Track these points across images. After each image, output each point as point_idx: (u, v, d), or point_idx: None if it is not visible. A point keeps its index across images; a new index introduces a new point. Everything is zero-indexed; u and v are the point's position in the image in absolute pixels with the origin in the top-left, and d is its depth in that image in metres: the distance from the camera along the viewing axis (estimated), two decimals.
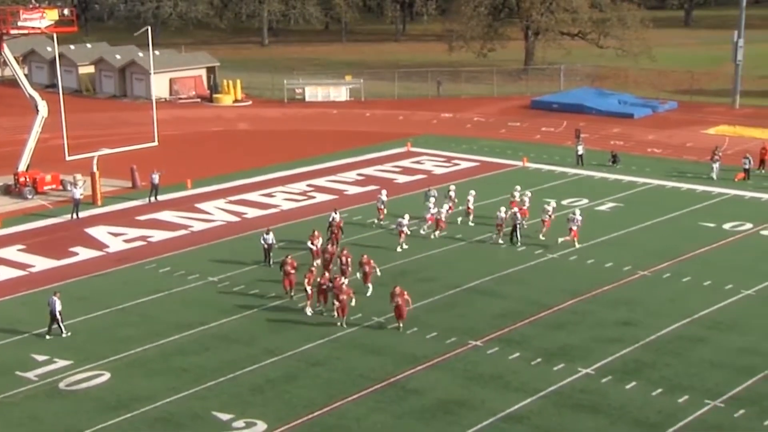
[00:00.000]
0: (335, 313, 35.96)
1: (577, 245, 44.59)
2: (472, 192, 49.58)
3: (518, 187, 50.03)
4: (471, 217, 48.23)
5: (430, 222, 46.90)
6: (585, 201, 52.23)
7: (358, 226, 48.06)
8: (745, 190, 54.02)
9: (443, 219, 46.70)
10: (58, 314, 35.22)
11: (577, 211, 46.08)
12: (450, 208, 48.73)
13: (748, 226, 47.74)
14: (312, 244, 41.99)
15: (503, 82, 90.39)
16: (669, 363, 32.89)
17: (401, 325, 35.40)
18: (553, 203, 47.92)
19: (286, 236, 46.21)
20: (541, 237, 45.56)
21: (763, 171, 57.82)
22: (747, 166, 56.94)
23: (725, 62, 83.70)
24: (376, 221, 48.69)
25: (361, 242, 45.13)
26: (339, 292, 35.84)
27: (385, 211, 48.49)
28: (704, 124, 73.19)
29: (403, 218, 44.92)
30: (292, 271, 38.24)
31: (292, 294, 38.36)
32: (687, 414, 29.44)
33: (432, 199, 48.51)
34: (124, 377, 32.30)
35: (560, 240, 44.76)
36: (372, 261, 39.33)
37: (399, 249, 44.41)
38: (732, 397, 30.48)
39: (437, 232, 46.35)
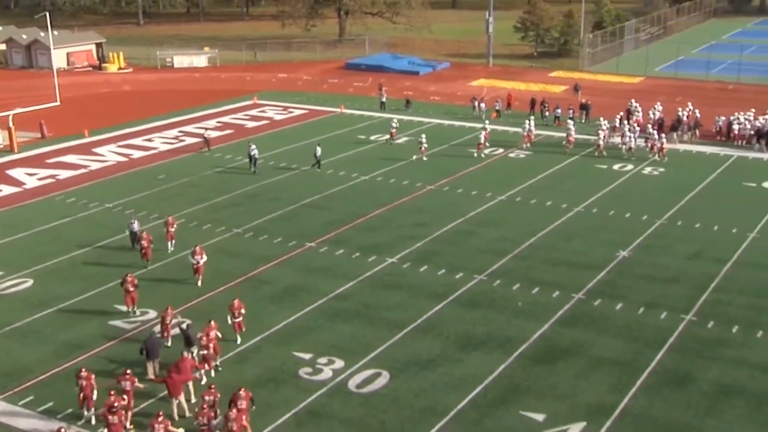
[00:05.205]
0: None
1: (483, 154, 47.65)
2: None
3: (396, 120, 52.44)
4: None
5: (527, 140, 49.48)
6: (386, 136, 52.42)
7: (226, 161, 47.01)
8: (498, 125, 55.45)
9: (532, 135, 49.80)
10: None
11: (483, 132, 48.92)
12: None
13: (501, 151, 49.09)
14: (193, 258, 30.63)
15: (324, 50, 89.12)
16: (449, 251, 33.78)
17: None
18: (528, 124, 50.24)
19: (164, 171, 44.80)
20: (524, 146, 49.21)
21: (509, 111, 59.39)
22: (498, 108, 58.39)
23: (481, 34, 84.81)
24: (388, 138, 50.75)
25: (231, 170, 44.14)
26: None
27: (396, 133, 50.84)
28: (469, 78, 74.34)
29: (421, 137, 47.09)
30: (132, 289, 28.05)
31: (135, 311, 28.31)
32: (462, 286, 30.41)
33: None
34: (44, 283, 30.92)
35: (477, 154, 47.62)
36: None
37: (417, 158, 46.20)
38: (492, 272, 31.61)
39: (524, 145, 49.24)
